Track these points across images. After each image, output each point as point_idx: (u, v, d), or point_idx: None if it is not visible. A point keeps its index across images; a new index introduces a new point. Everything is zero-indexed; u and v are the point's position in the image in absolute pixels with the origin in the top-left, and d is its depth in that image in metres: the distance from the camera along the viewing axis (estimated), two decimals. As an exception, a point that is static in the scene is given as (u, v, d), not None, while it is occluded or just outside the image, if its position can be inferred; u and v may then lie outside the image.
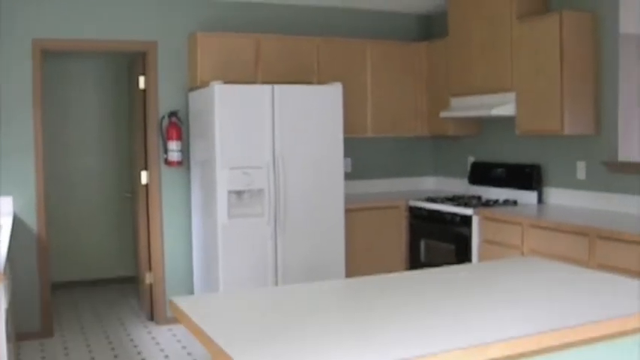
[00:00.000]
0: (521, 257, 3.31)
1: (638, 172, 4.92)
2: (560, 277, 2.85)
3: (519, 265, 3.09)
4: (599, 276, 2.87)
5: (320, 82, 6.27)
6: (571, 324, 2.12)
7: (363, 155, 7.06)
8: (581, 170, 5.43)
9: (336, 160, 5.82)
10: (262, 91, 5.52)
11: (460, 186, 6.91)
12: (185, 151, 6.15)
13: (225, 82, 5.72)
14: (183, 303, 2.46)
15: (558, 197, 5.65)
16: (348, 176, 6.88)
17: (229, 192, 5.42)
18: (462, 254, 5.56)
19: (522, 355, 2.02)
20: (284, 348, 1.93)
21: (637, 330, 2.31)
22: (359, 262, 6.14)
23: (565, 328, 2.08)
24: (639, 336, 2.34)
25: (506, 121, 6.11)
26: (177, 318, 2.44)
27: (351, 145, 6.92)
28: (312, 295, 2.59)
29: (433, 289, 2.65)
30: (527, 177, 5.82)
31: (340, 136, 5.83)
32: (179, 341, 5.68)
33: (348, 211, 6.05)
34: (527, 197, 5.83)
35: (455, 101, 6.27)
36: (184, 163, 6.16)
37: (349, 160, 6.94)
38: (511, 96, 5.56)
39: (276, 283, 5.59)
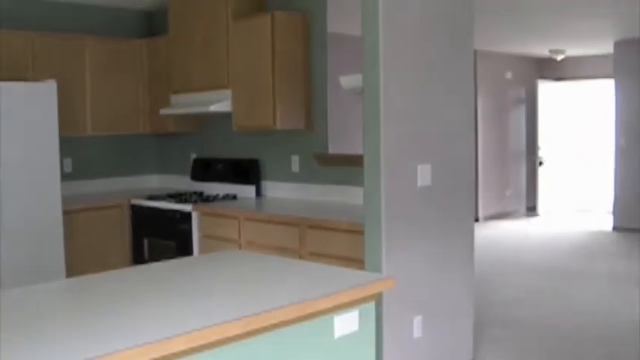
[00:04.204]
0: (225, 251, 3.39)
1: (345, 164, 5.25)
2: (257, 268, 2.95)
3: (221, 259, 3.14)
4: (297, 264, 3.02)
5: (35, 79, 5.94)
6: (256, 311, 2.20)
7: (84, 154, 6.81)
8: (295, 164, 5.69)
9: (51, 160, 5.56)
10: (-34, 87, 5.15)
11: (183, 183, 6.92)
12: None
13: None
14: None
15: (275, 190, 5.88)
16: (68, 176, 6.59)
17: None
18: (183, 250, 5.58)
19: (204, 347, 2.05)
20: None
21: (327, 311, 2.45)
22: (82, 264, 5.91)
23: (249, 316, 2.15)
24: (330, 317, 2.49)
25: (225, 118, 6.22)
26: None
27: (72, 145, 6.62)
28: (14, 299, 2.46)
29: (131, 287, 2.63)
30: (245, 172, 5.98)
31: (55, 135, 5.58)
32: None
33: (68, 213, 5.80)
34: (247, 191, 5.99)
35: (175, 98, 6.27)
36: None
37: (69, 159, 6.67)
38: (228, 93, 5.68)
39: (-12, 292, 5.24)
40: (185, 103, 6.10)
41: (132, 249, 6.28)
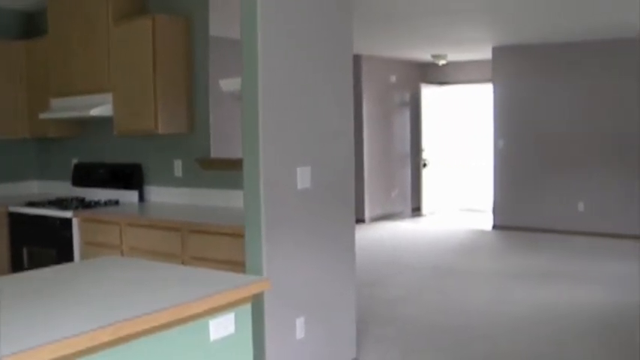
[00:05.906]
0: (103, 257, 3.35)
1: (227, 168, 5.26)
2: (134, 273, 2.92)
3: (99, 265, 3.10)
4: (174, 269, 3.01)
5: None
6: (128, 317, 2.19)
7: (-41, 161, 6.56)
8: (178, 168, 5.66)
9: None
10: None
11: (64, 188, 6.74)
12: None
13: None
14: None
15: (158, 195, 5.83)
16: (-60, 183, 6.33)
17: None
18: (64, 258, 5.44)
19: (74, 355, 2.03)
20: None
21: (202, 314, 2.47)
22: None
23: (120, 322, 2.14)
24: (205, 320, 2.50)
25: (107, 122, 6.10)
26: None
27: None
28: None
29: (3, 295, 2.56)
30: (128, 177, 5.90)
31: None
32: None
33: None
34: (129, 196, 5.91)
35: (55, 102, 6.11)
36: None
37: (-57, 166, 6.40)
38: (109, 97, 5.59)
39: None
40: (65, 107, 5.95)
41: (10, 258, 6.06)
